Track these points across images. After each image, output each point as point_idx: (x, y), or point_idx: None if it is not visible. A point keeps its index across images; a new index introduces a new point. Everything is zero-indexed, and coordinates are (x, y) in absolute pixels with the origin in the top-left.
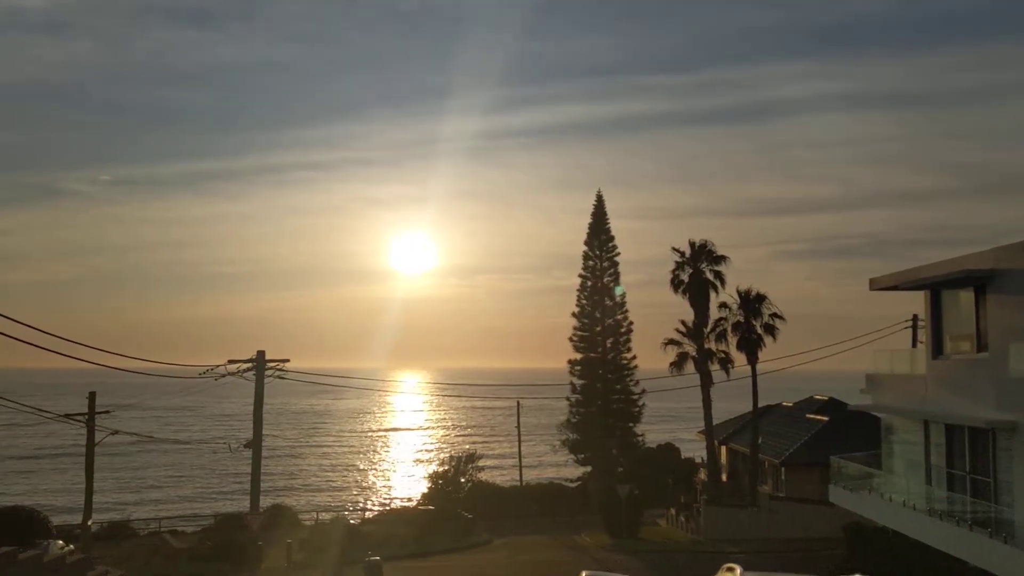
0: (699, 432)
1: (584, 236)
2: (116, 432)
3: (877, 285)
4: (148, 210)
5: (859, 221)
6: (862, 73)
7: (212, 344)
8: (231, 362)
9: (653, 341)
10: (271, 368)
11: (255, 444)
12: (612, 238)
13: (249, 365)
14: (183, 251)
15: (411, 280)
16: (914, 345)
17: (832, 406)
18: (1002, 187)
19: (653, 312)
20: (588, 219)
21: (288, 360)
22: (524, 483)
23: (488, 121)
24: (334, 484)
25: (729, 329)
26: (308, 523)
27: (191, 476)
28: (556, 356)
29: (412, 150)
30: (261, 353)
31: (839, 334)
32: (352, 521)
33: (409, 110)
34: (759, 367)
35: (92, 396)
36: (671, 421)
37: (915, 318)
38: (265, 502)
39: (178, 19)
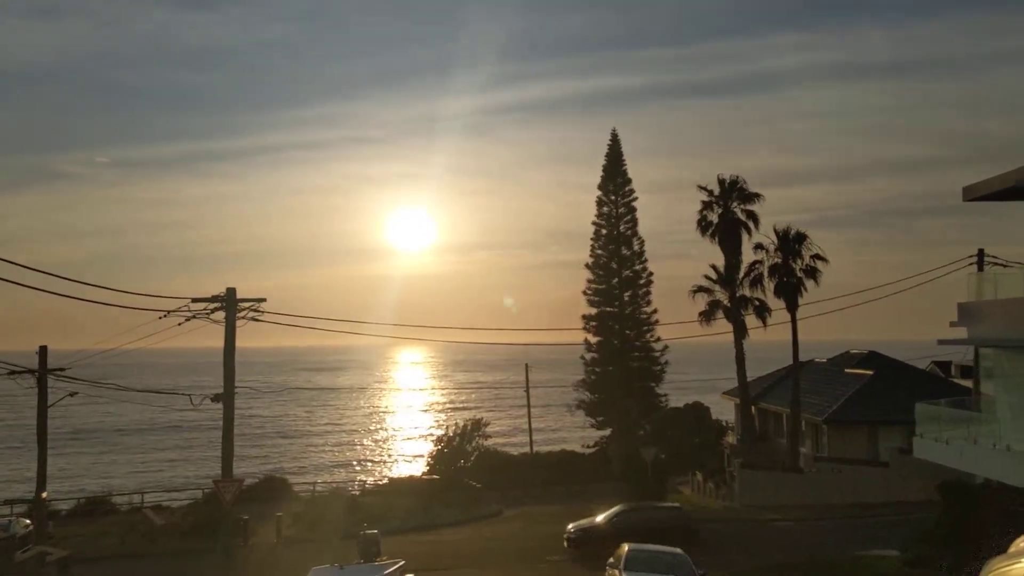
0: (724, 394)
1: (581, 210)
2: (74, 393)
3: (973, 194)
4: (146, 191)
5: (853, 192)
6: (853, 44)
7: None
8: (195, 300)
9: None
10: (244, 309)
11: (226, 398)
12: (629, 180)
13: (217, 305)
14: (181, 232)
15: (410, 257)
16: None
17: (874, 360)
18: (994, 156)
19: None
20: (585, 194)
21: (264, 300)
22: (535, 451)
23: (485, 98)
24: (335, 457)
25: (766, 273)
26: (304, 495)
27: (186, 448)
28: (559, 332)
29: (410, 128)
30: (231, 291)
31: (837, 303)
32: (352, 493)
33: (406, 88)
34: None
35: (43, 349)
36: (692, 392)
37: (980, 252)
38: (260, 471)
39: (174, 1)
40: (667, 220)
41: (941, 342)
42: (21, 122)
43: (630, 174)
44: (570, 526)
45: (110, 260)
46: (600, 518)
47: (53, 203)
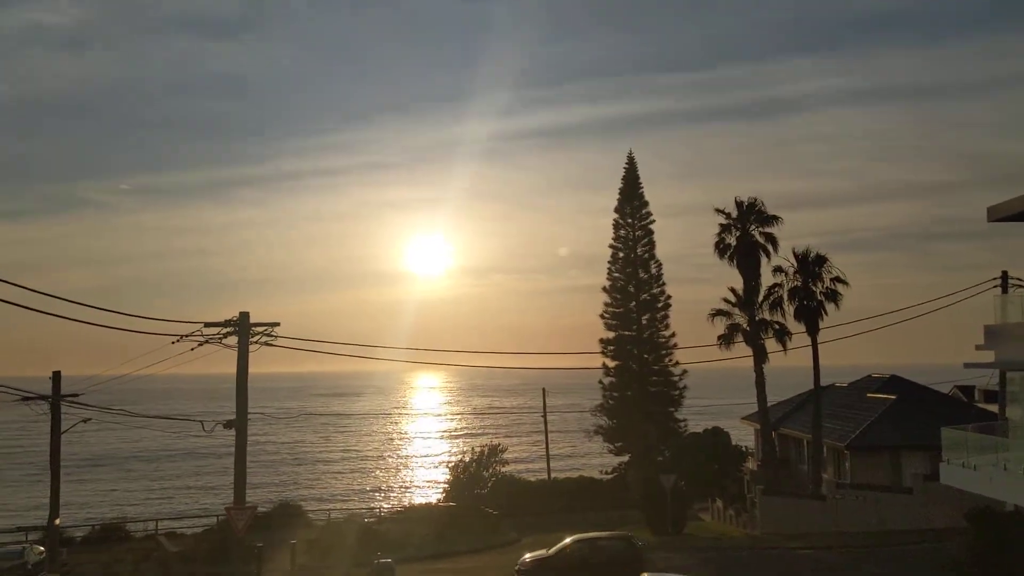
0: (743, 419)
1: (598, 235)
2: (88, 419)
3: (998, 214)
4: (168, 218)
5: (873, 214)
6: (872, 67)
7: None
8: (208, 325)
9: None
10: (258, 334)
11: (238, 424)
12: (646, 203)
13: (230, 329)
14: (203, 258)
15: (427, 281)
16: None
17: (897, 384)
18: (1014, 177)
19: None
20: (602, 219)
21: (278, 324)
22: (552, 478)
23: (503, 123)
24: (350, 484)
25: (785, 296)
26: (319, 522)
27: (203, 475)
28: (577, 356)
29: (429, 154)
30: (244, 315)
31: (858, 327)
32: (367, 520)
33: (426, 115)
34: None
35: (56, 375)
36: (712, 417)
37: (1004, 275)
38: (274, 498)
39: (196, 31)
40: (685, 244)
41: (967, 365)
42: (47, 151)
43: (647, 198)
44: (526, 556)
45: (133, 286)
46: (553, 549)
47: (77, 230)
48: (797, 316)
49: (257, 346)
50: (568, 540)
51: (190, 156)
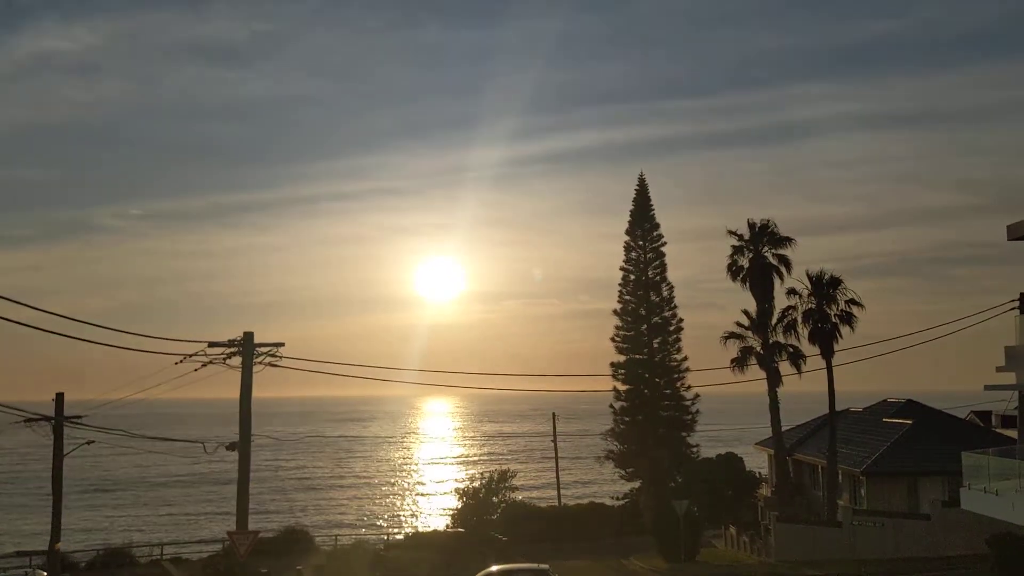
0: (757, 444)
1: (609, 259)
2: (91, 441)
3: (1019, 232)
4: (178, 243)
5: (883, 240)
6: (881, 93)
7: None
8: (212, 345)
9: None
10: (262, 354)
11: (241, 446)
12: (657, 225)
13: (234, 350)
14: (213, 282)
15: (437, 307)
16: None
17: (913, 409)
18: None
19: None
20: (613, 244)
21: (282, 344)
22: (563, 504)
23: (512, 149)
24: (359, 509)
25: (799, 319)
26: (326, 548)
27: (214, 500)
28: (587, 380)
29: (438, 179)
30: (249, 335)
31: (873, 350)
32: (375, 546)
33: (436, 140)
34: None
35: (59, 396)
36: (725, 442)
37: (1023, 296)
38: (281, 523)
39: (207, 57)
40: (696, 270)
41: (988, 387)
42: (57, 176)
43: (659, 219)
44: None
45: (142, 311)
46: None
47: (88, 255)
48: (811, 339)
49: (261, 367)
50: (493, 568)
51: (201, 181)
